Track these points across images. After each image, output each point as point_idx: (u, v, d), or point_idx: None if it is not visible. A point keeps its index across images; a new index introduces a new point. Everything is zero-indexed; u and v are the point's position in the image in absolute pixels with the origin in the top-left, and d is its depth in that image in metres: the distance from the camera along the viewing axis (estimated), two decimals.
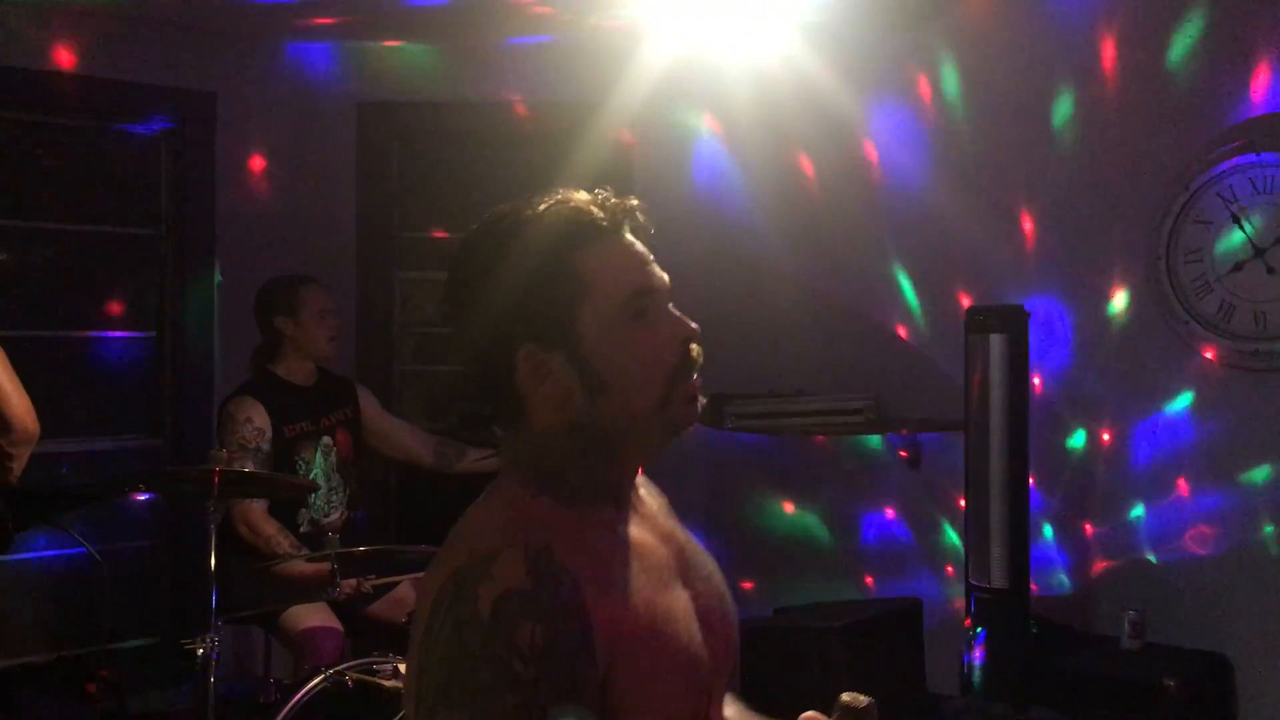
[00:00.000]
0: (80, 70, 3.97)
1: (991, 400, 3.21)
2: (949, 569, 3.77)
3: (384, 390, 4.36)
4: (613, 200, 1.18)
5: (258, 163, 4.33)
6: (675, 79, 3.68)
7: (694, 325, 1.19)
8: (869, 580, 3.98)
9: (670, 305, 1.20)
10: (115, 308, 4.27)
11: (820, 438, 3.97)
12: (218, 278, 4.24)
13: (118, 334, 4.26)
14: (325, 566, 3.14)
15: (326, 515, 3.56)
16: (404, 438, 3.81)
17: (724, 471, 4.12)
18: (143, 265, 4.28)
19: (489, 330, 1.15)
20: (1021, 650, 3.18)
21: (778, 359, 4.01)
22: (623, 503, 1.22)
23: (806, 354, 3.97)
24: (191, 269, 4.24)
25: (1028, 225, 3.64)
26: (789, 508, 4.14)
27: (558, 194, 1.20)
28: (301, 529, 3.48)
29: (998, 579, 3.19)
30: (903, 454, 3.80)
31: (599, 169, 4.09)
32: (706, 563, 1.29)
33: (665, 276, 1.21)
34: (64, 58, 3.94)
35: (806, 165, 3.97)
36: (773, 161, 3.97)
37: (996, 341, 3.20)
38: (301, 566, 3.27)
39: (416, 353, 4.58)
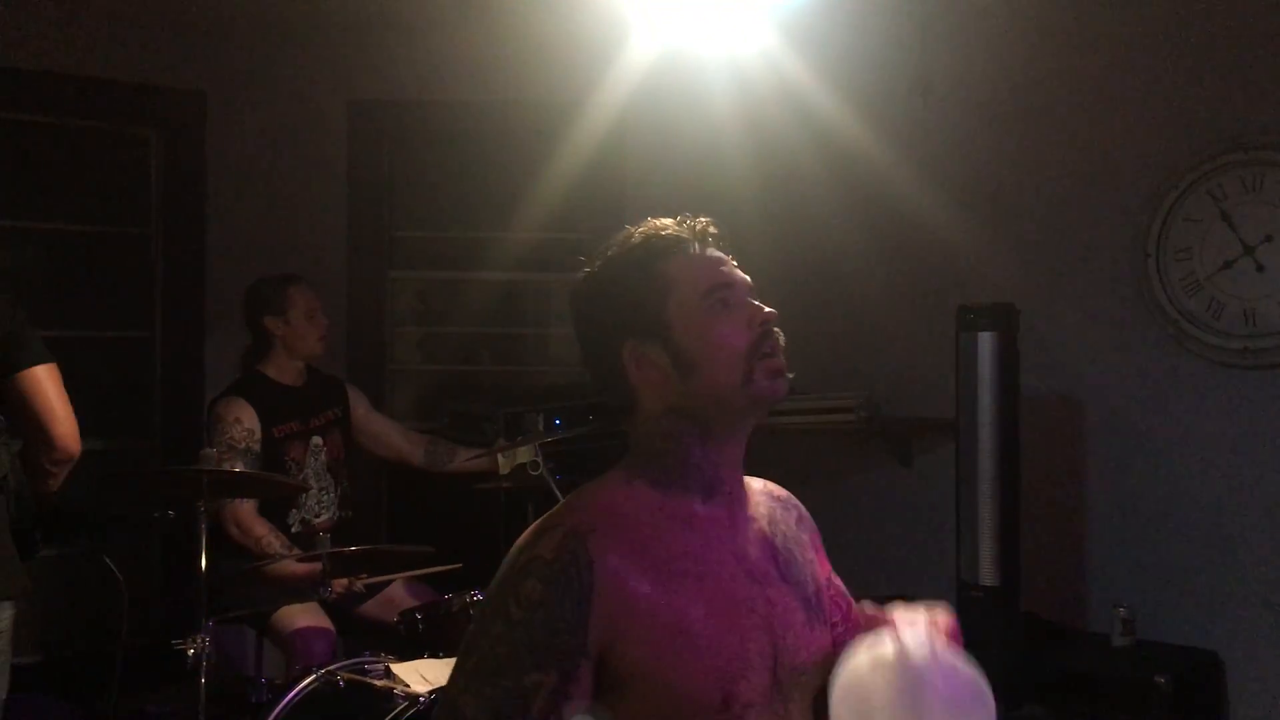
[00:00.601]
0: (70, 70, 3.96)
1: (982, 398, 3.22)
2: (939, 567, 3.78)
3: (375, 389, 4.36)
4: (690, 220, 1.41)
5: (247, 162, 4.32)
6: (659, 74, 3.68)
7: (770, 310, 1.39)
8: (859, 578, 3.98)
9: (749, 297, 1.39)
10: (106, 308, 4.26)
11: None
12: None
13: (108, 334, 4.25)
14: (316, 566, 3.13)
15: (317, 515, 3.56)
16: (394, 438, 3.81)
17: None
18: (133, 265, 4.27)
19: (601, 334, 1.38)
20: (1012, 648, 3.18)
21: None
22: (714, 494, 1.38)
23: (795, 352, 3.96)
24: (181, 269, 4.24)
25: (1018, 223, 3.65)
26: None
27: (650, 221, 1.42)
28: (293, 529, 3.48)
29: (988, 577, 3.20)
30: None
31: (589, 166, 4.10)
32: (803, 572, 1.43)
33: (745, 276, 1.42)
34: (54, 58, 3.93)
35: (790, 162, 3.96)
36: (755, 159, 3.96)
37: (986, 339, 3.21)
38: (293, 567, 3.26)
39: (407, 351, 4.58)
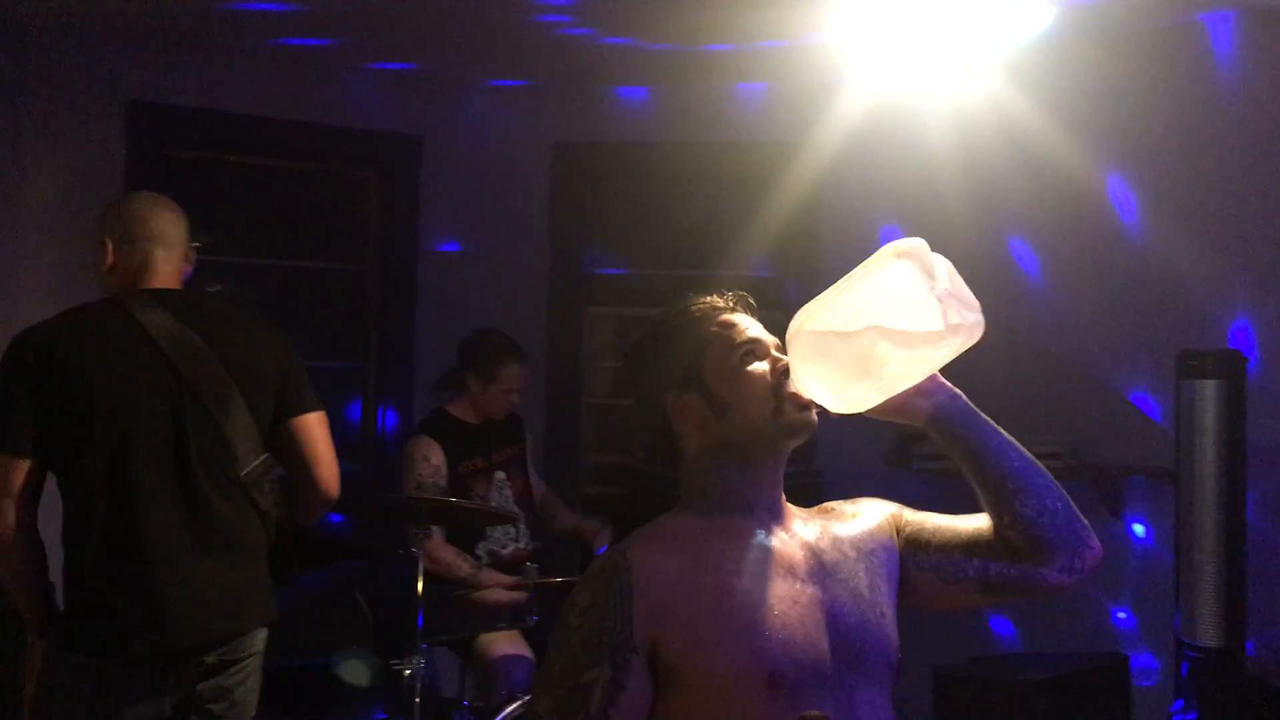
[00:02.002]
0: (297, 117, 4.23)
1: (1204, 448, 3.06)
2: (1154, 625, 3.60)
3: (571, 423, 4.47)
4: (728, 293, 1.60)
5: (457, 202, 4.51)
6: (875, 118, 3.67)
7: (786, 358, 1.53)
8: (1063, 632, 3.83)
9: (775, 352, 1.56)
10: (325, 340, 4.51)
11: None
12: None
13: (328, 365, 4.50)
14: (521, 595, 3.22)
15: (504, 547, 3.66)
16: (534, 479, 3.88)
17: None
18: (351, 300, 4.51)
19: (648, 390, 1.55)
20: (1236, 714, 3.01)
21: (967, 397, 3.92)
22: (756, 511, 1.52)
23: (1000, 395, 3.86)
24: (395, 304, 4.45)
25: (1240, 265, 3.47)
26: None
27: (693, 295, 1.61)
28: (482, 561, 3.58)
29: (1210, 637, 3.03)
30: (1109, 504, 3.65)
31: (790, 207, 4.11)
32: (852, 573, 1.53)
33: (772, 338, 1.58)
34: (283, 106, 4.20)
35: (1007, 202, 3.88)
36: (970, 197, 3.89)
37: (1210, 387, 3.06)
38: (497, 595, 3.37)
39: (602, 386, 4.67)
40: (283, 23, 3.75)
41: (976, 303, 1.51)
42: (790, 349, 1.50)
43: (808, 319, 1.50)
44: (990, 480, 1.51)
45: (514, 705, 2.86)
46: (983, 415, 1.55)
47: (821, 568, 1.51)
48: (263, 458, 2.40)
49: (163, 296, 2.42)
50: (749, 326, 1.57)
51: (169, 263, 2.47)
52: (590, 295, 4.62)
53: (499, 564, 3.61)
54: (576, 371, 4.58)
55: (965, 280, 1.51)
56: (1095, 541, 1.52)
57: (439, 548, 3.46)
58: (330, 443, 2.50)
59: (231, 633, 2.37)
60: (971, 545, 1.53)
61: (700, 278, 4.49)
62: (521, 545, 3.68)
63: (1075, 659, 3.33)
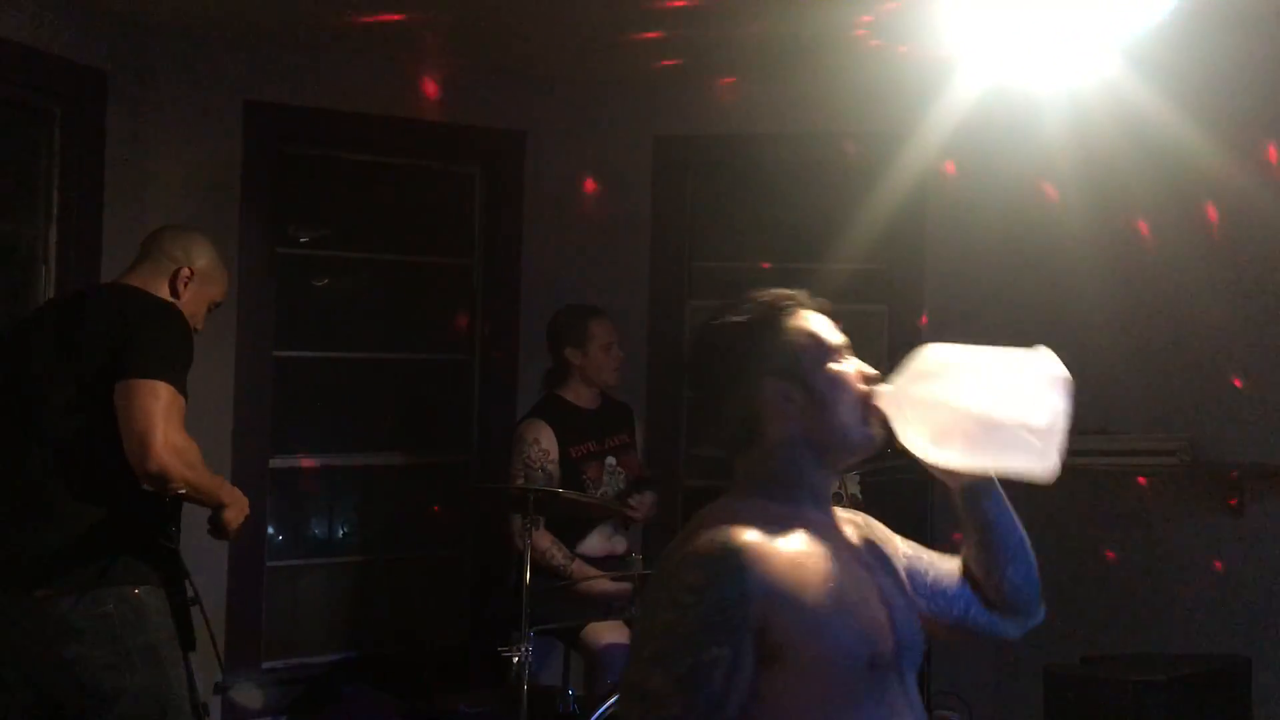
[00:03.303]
0: (405, 113, 4.31)
1: None
2: (1277, 628, 3.49)
3: (673, 416, 4.48)
4: (803, 292, 1.67)
5: (560, 195, 4.55)
6: (986, 110, 3.60)
7: (873, 370, 1.65)
8: (1186, 632, 3.72)
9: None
10: (432, 332, 4.60)
11: (1140, 478, 3.75)
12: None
13: (433, 357, 4.59)
14: (626, 586, 3.25)
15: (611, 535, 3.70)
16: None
17: (1028, 505, 3.96)
18: (457, 293, 4.59)
19: (742, 374, 1.57)
20: None
21: (1082, 392, 3.83)
22: (821, 504, 1.61)
23: (1115, 389, 3.77)
24: (499, 297, 4.52)
25: None
26: (1097, 549, 3.92)
27: (771, 290, 1.65)
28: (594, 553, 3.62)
29: None
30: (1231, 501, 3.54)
31: (893, 202, 4.07)
32: (892, 569, 1.66)
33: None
34: (392, 103, 4.29)
35: (1128, 194, 3.77)
36: (1088, 190, 3.79)
37: None
38: (603, 585, 3.40)
39: None
40: (390, 25, 3.83)
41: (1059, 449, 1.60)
42: (912, 386, 1.59)
43: (942, 378, 1.59)
44: (993, 547, 1.66)
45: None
46: (1003, 492, 1.67)
47: (874, 560, 1.62)
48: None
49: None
50: (832, 327, 1.65)
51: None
52: (692, 288, 4.62)
53: (608, 554, 3.66)
54: (678, 364, 4.58)
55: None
56: (1043, 609, 1.72)
57: (538, 535, 3.51)
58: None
59: None
60: (960, 588, 1.68)
61: (802, 270, 4.46)
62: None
63: (1192, 660, 3.23)
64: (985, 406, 1.55)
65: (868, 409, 1.59)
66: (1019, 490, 1.64)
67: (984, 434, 1.55)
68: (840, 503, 3.28)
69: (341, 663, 4.26)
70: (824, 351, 1.60)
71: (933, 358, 1.61)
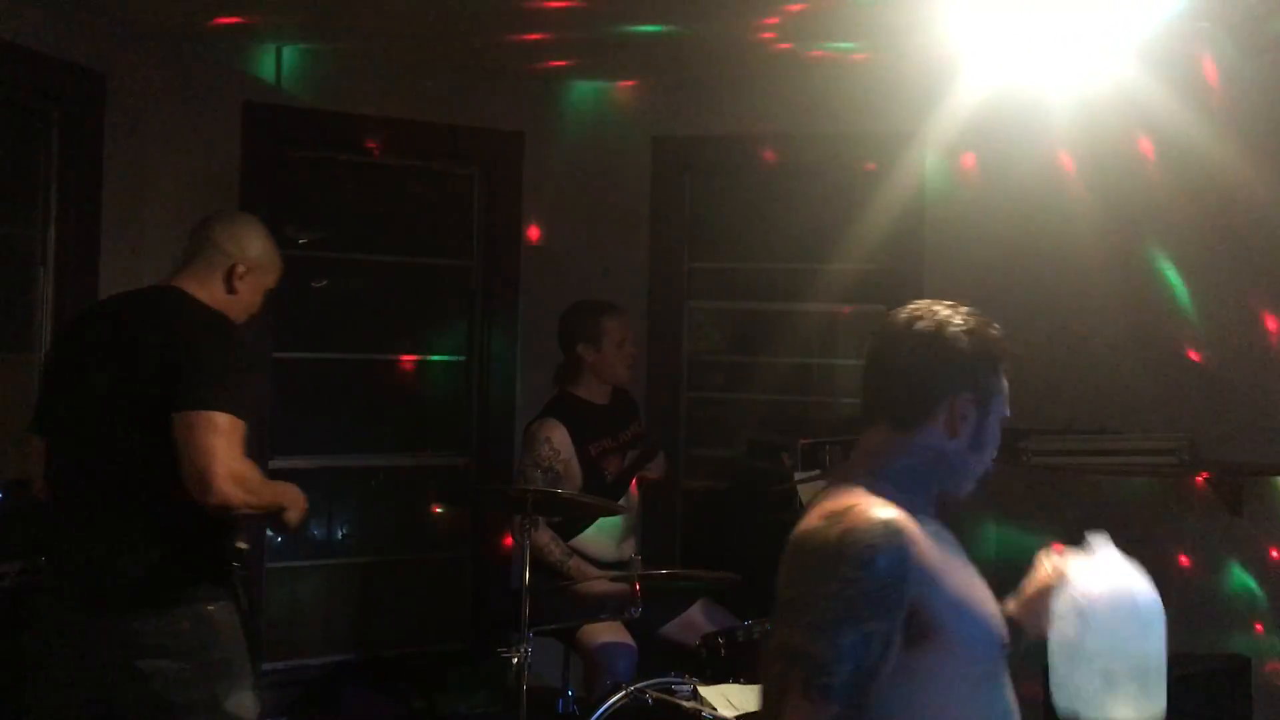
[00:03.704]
0: (403, 115, 4.31)
1: None
2: (1259, 625, 3.49)
3: (672, 416, 4.48)
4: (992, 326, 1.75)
5: (558, 196, 4.56)
6: (990, 110, 3.59)
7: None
8: (1186, 632, 3.72)
9: None
10: (429, 334, 4.59)
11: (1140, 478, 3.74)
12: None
13: (434, 357, 4.59)
14: (624, 587, 3.25)
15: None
16: None
17: (1014, 509, 3.97)
18: (455, 294, 4.59)
19: (937, 378, 1.67)
20: None
21: (1082, 392, 3.83)
22: (932, 510, 1.70)
23: (1118, 390, 3.76)
24: (498, 298, 4.52)
25: None
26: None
27: (945, 306, 1.73)
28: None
29: None
30: (1230, 501, 3.52)
31: (894, 203, 4.06)
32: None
33: None
34: (390, 104, 4.29)
35: (1137, 194, 3.76)
36: (1098, 191, 3.78)
37: None
38: (603, 585, 3.40)
39: (703, 380, 4.67)
40: (388, 25, 3.83)
41: None
42: (1092, 613, 1.72)
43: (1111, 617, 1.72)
44: None
45: (619, 695, 2.88)
46: None
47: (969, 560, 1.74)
48: None
49: None
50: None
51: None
52: (690, 289, 4.63)
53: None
54: (677, 365, 4.59)
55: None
56: None
57: (535, 534, 3.50)
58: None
59: None
60: None
61: (801, 271, 4.46)
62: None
63: (1192, 660, 3.23)
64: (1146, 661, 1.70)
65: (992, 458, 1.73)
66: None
67: (1135, 685, 1.69)
68: None
69: (341, 664, 4.27)
70: (1004, 406, 1.75)
71: (1101, 585, 1.72)
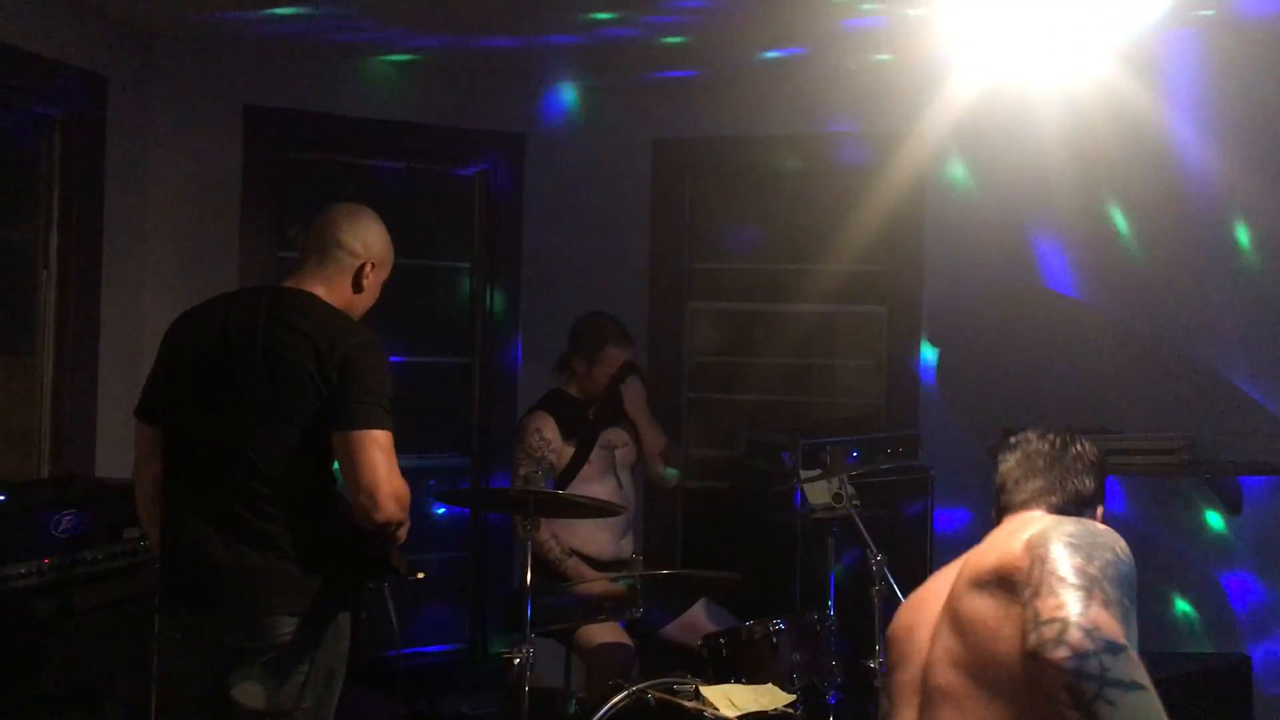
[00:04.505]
0: (402, 117, 4.32)
1: None
2: (1259, 626, 3.50)
3: (673, 416, 4.49)
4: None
5: (560, 197, 4.57)
6: (980, 110, 3.61)
7: None
8: (1186, 632, 3.74)
9: None
10: (432, 334, 4.60)
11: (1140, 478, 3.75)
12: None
13: (435, 359, 4.60)
14: (619, 588, 3.26)
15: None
16: None
17: None
18: (456, 295, 4.59)
19: (1088, 487, 1.95)
20: None
21: (1082, 392, 3.84)
22: None
23: (1118, 391, 3.77)
24: (498, 299, 4.52)
25: None
26: None
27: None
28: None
29: None
30: (1230, 501, 3.55)
31: (891, 202, 4.07)
32: None
33: None
34: (388, 107, 4.30)
35: (1125, 193, 3.77)
36: (1084, 190, 3.80)
37: None
38: (603, 586, 3.41)
39: (703, 380, 4.68)
40: (387, 30, 3.84)
41: None
42: None
43: None
44: None
45: (621, 695, 2.88)
46: None
47: None
48: None
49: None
50: None
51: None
52: (691, 289, 4.63)
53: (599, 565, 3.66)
54: (678, 365, 4.60)
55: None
56: None
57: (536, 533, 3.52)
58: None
59: None
60: None
61: (801, 272, 4.47)
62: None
63: (1192, 660, 3.24)
64: None
65: None
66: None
67: None
68: (840, 503, 3.35)
69: None
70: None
71: None
